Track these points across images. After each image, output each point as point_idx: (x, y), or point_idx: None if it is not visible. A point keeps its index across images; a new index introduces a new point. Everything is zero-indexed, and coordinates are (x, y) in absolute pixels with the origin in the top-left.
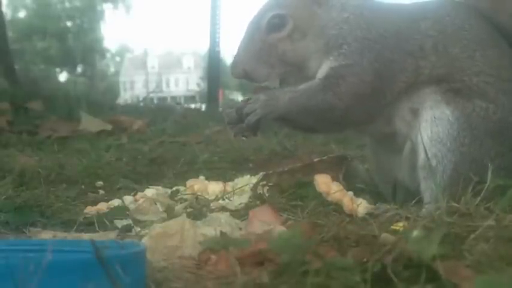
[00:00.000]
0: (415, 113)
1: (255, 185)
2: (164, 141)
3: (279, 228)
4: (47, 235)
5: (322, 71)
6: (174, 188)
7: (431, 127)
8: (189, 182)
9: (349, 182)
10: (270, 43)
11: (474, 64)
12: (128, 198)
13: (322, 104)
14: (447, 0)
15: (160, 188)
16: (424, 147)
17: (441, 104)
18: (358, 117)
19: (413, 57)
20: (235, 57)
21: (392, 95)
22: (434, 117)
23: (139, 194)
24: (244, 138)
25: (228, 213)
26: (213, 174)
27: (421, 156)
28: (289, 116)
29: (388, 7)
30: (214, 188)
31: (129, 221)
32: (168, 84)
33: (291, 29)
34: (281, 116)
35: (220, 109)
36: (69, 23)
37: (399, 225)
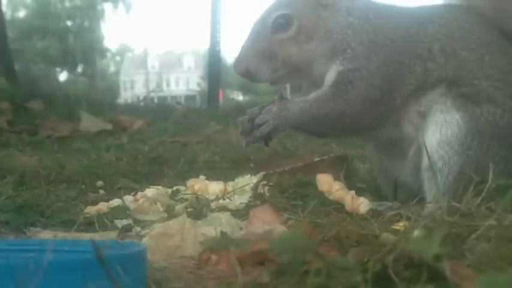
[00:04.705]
0: (423, 116)
1: (256, 185)
2: (164, 141)
3: (280, 228)
4: (47, 235)
5: (330, 77)
6: (175, 188)
7: (441, 130)
8: (190, 182)
9: (350, 182)
10: (275, 43)
11: (483, 68)
12: (128, 198)
13: (333, 112)
14: (455, 5)
15: (160, 187)
16: (428, 149)
17: (451, 108)
18: (368, 122)
19: (422, 60)
20: (239, 54)
21: (402, 98)
22: (445, 121)
23: (140, 194)
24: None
25: (228, 213)
26: (214, 174)
27: (427, 157)
28: (301, 125)
29: (394, 11)
30: (214, 187)
31: (129, 221)
32: (168, 84)
33: (297, 30)
34: (293, 126)
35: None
36: (69, 23)
37: (400, 225)
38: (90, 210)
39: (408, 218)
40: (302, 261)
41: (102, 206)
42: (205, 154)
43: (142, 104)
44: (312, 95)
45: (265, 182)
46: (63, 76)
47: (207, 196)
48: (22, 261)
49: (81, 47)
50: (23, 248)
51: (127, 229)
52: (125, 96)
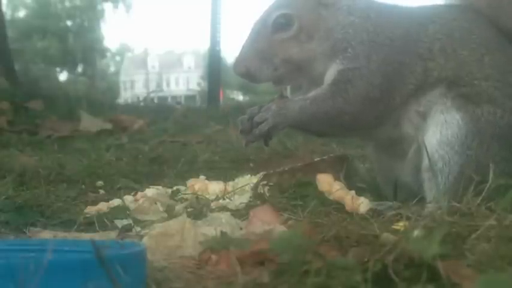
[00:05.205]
0: (423, 116)
1: (256, 185)
2: (164, 140)
3: (280, 228)
4: (47, 235)
5: (329, 76)
6: (175, 188)
7: (441, 130)
8: (190, 182)
9: (350, 182)
10: (275, 43)
11: (483, 68)
12: (128, 198)
13: (332, 110)
14: (455, 5)
15: (160, 187)
16: (428, 149)
17: (452, 109)
18: (368, 121)
19: (422, 60)
20: (239, 54)
21: (402, 98)
22: (445, 121)
23: (140, 194)
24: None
25: (228, 213)
26: (214, 174)
27: (427, 158)
28: (301, 124)
29: (395, 10)
30: (214, 187)
31: (129, 221)
32: (168, 84)
33: (297, 30)
34: (292, 125)
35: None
36: (69, 23)
37: (400, 225)
38: (90, 210)
39: (408, 218)
40: (302, 261)
41: (102, 206)
42: (205, 154)
43: (142, 104)
44: (311, 93)
45: (265, 182)
46: (63, 76)
47: (207, 196)
48: (22, 261)
49: (81, 47)
50: (23, 248)
51: (127, 229)
52: (125, 96)
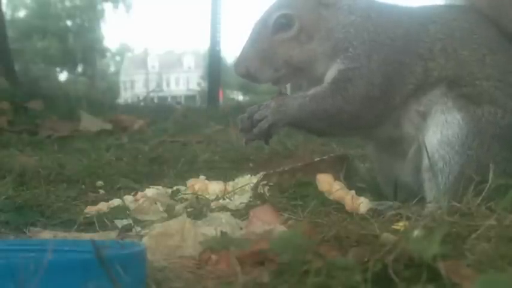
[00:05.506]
0: (423, 116)
1: (256, 185)
2: (164, 140)
3: (280, 228)
4: (47, 235)
5: (330, 75)
6: (175, 188)
7: (442, 130)
8: (190, 182)
9: (350, 182)
10: (276, 43)
11: (484, 68)
12: (128, 198)
13: (331, 108)
14: (455, 5)
15: (160, 187)
16: (429, 149)
17: (453, 109)
18: (367, 119)
19: (422, 59)
20: (240, 55)
21: (402, 98)
22: (446, 121)
23: (140, 194)
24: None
25: (228, 212)
26: (214, 174)
27: (428, 158)
28: (300, 121)
29: (396, 10)
30: (214, 187)
31: (129, 221)
32: (168, 84)
33: (298, 30)
34: (291, 122)
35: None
36: (69, 22)
37: (400, 225)
38: (90, 210)
39: (408, 218)
40: (302, 261)
41: (102, 206)
42: (205, 154)
43: (142, 104)
44: (311, 91)
45: (265, 182)
46: (63, 76)
47: (207, 196)
48: (22, 261)
49: (81, 47)
50: (23, 248)
51: (127, 229)
52: (125, 96)
